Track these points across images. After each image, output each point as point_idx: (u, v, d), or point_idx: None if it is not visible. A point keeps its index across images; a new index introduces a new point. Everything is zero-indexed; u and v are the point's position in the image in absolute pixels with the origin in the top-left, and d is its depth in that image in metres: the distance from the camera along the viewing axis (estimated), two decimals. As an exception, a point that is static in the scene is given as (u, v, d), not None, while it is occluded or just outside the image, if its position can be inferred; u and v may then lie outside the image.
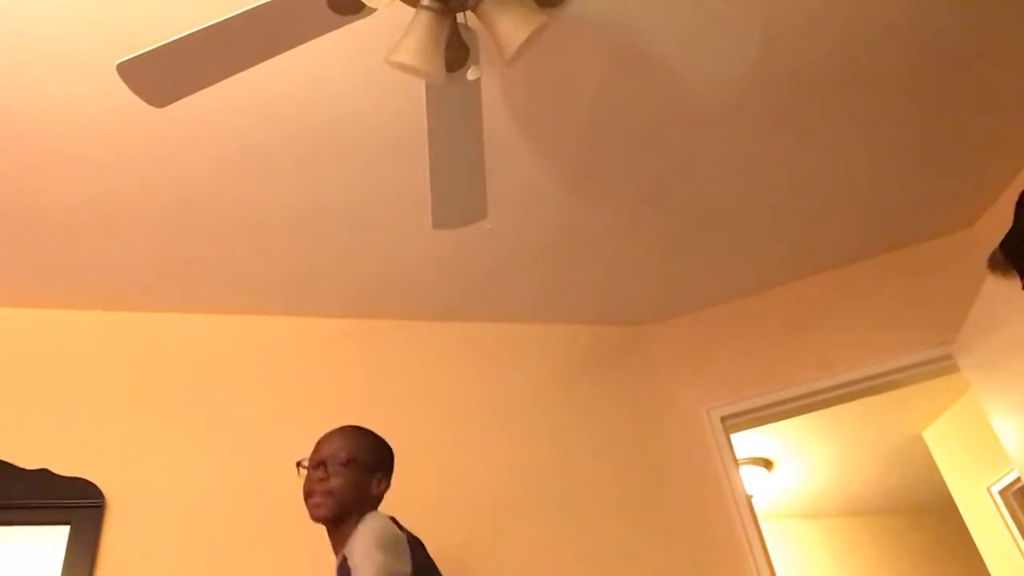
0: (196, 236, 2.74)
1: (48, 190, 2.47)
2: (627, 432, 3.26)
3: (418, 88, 1.83)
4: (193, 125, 2.31)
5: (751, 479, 5.18)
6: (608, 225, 3.00)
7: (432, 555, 1.94)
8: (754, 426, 3.49)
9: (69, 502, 2.57)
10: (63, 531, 2.54)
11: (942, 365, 3.18)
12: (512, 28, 1.52)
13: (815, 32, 2.35)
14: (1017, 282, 2.65)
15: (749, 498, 3.16)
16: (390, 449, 2.12)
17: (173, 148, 2.39)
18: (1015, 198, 2.79)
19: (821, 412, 3.57)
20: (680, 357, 3.51)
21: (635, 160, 2.72)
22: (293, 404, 2.97)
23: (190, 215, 2.65)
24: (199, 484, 2.73)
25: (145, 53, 1.60)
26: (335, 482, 1.95)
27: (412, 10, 1.58)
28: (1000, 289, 2.75)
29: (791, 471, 5.41)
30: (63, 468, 2.61)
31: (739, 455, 3.38)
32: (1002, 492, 4.43)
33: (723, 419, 3.31)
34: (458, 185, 2.10)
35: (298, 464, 2.06)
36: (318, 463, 1.99)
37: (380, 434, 2.13)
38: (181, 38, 1.58)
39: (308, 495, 1.97)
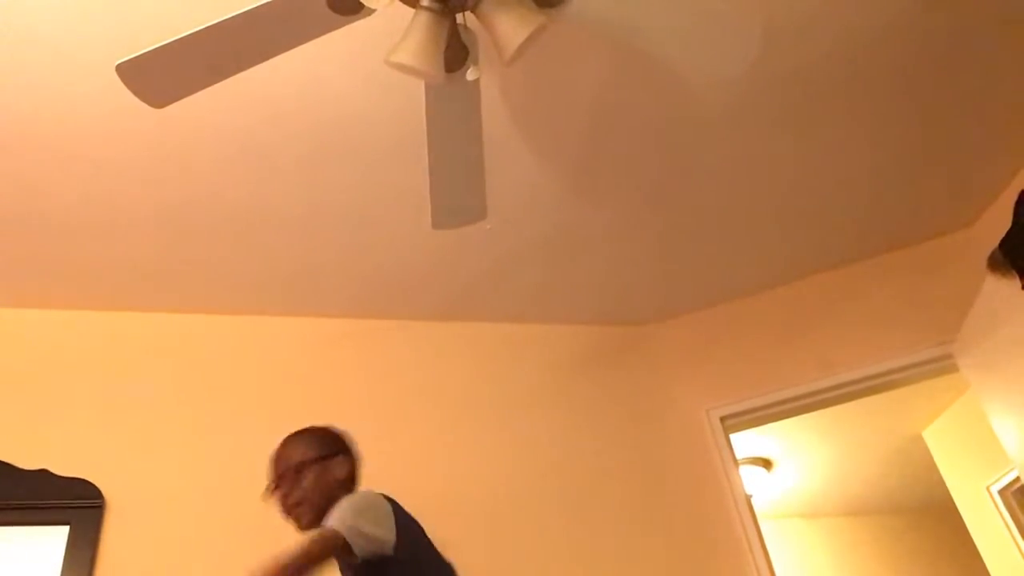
0: (196, 236, 2.74)
1: (48, 190, 2.47)
2: (627, 432, 3.26)
3: (418, 88, 1.83)
4: (193, 125, 2.31)
5: (751, 479, 5.17)
6: (608, 225, 2.99)
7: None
8: (754, 426, 3.49)
9: (68, 502, 2.58)
10: (62, 531, 2.54)
11: (942, 365, 3.18)
12: (511, 28, 1.52)
13: (815, 32, 2.35)
14: (1016, 282, 2.65)
15: (748, 498, 3.16)
16: (334, 432, 2.11)
17: (173, 148, 2.39)
18: (1014, 198, 2.78)
19: (821, 412, 3.57)
20: (680, 357, 3.51)
21: (635, 160, 2.72)
22: (293, 404, 2.96)
23: (190, 215, 2.65)
24: (198, 484, 2.73)
25: (144, 54, 1.60)
26: (297, 491, 1.94)
27: (411, 11, 1.58)
28: (1000, 289, 2.74)
29: (791, 471, 5.41)
30: (62, 468, 2.61)
31: (739, 455, 3.38)
32: (1002, 492, 4.42)
33: (723, 419, 3.31)
34: (458, 185, 2.10)
35: (265, 495, 2.02)
36: (276, 484, 1.98)
37: (342, 426, 2.12)
38: (180, 39, 1.58)
39: (286, 515, 1.96)
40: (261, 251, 2.84)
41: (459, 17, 1.65)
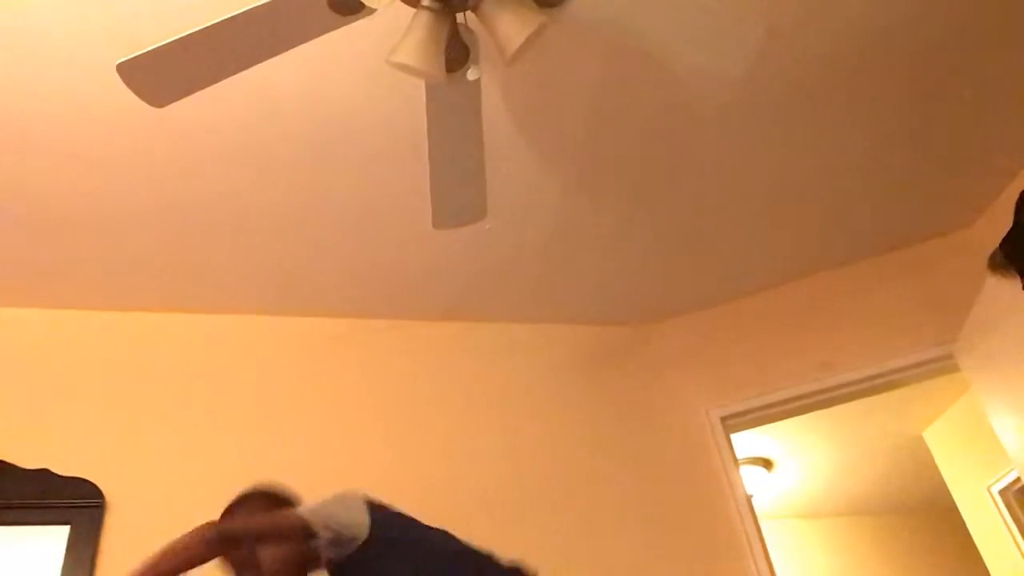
0: (195, 235, 2.74)
1: (47, 189, 2.47)
2: (627, 432, 3.26)
3: (418, 88, 1.83)
4: (193, 124, 2.31)
5: (751, 479, 5.17)
6: (608, 224, 2.99)
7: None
8: (754, 426, 3.49)
9: (69, 502, 2.58)
10: (63, 531, 2.54)
11: (942, 365, 3.18)
12: (512, 28, 1.52)
13: (814, 32, 2.35)
14: (1017, 282, 2.65)
15: (749, 498, 3.16)
16: (255, 492, 1.97)
17: (172, 147, 2.39)
18: (1015, 198, 2.78)
19: (821, 412, 3.57)
20: (680, 357, 3.51)
21: (635, 160, 2.72)
22: (293, 404, 2.97)
23: (189, 214, 2.65)
24: (199, 484, 2.72)
25: (145, 53, 1.60)
26: (263, 559, 1.78)
27: (412, 10, 1.58)
28: (1000, 289, 2.74)
29: (791, 471, 5.40)
30: (63, 468, 2.61)
31: (739, 455, 3.38)
32: (1002, 492, 4.42)
33: (723, 419, 3.30)
34: (458, 185, 2.10)
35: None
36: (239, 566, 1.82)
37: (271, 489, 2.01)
38: (181, 38, 1.58)
39: None
40: (260, 250, 2.85)
41: (460, 17, 1.65)
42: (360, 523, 1.74)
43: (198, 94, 1.73)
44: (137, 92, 1.68)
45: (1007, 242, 2.73)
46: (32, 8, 1.95)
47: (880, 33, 2.39)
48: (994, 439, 3.08)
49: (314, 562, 1.78)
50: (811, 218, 3.13)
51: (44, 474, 2.58)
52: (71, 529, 2.55)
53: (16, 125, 2.25)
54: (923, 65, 2.53)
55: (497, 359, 3.33)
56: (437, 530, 1.91)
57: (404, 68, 1.55)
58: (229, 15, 1.56)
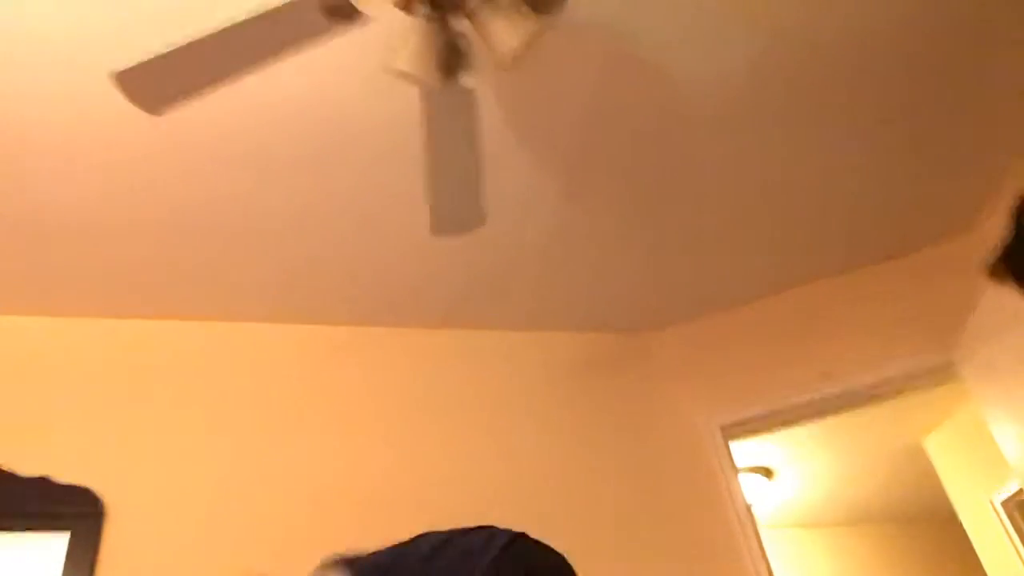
0: (194, 242, 2.74)
1: (46, 195, 2.47)
2: (625, 440, 3.26)
3: (415, 94, 1.84)
4: (192, 130, 2.32)
5: (751, 488, 5.16)
6: (606, 231, 3.00)
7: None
8: (754, 434, 3.47)
9: (68, 510, 2.57)
10: (63, 539, 2.54)
11: (943, 373, 3.17)
12: (507, 35, 1.53)
13: (811, 38, 2.35)
14: (1016, 290, 2.65)
15: (749, 507, 3.15)
16: None
17: (171, 153, 2.40)
18: (1013, 204, 2.79)
19: (821, 421, 3.56)
20: (679, 365, 3.50)
21: (631, 166, 2.73)
22: (292, 411, 2.97)
23: (188, 220, 2.65)
24: (198, 492, 2.73)
25: (142, 63, 1.61)
26: None
27: (408, 18, 1.59)
28: (1000, 297, 2.74)
29: (791, 480, 5.40)
30: (63, 476, 2.61)
31: (739, 463, 3.37)
32: (1004, 503, 4.41)
33: (722, 428, 3.29)
34: (456, 191, 2.10)
35: None
36: None
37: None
38: (178, 48, 1.59)
39: None
40: (259, 257, 2.85)
41: (455, 24, 1.66)
42: None
43: (197, 100, 1.74)
44: (134, 100, 1.69)
45: (1005, 250, 2.73)
46: (32, 12, 1.96)
47: (879, 40, 2.40)
48: (995, 448, 3.07)
49: None
50: (810, 225, 3.13)
51: (44, 482, 2.58)
52: (71, 537, 2.54)
53: (15, 130, 2.25)
54: (920, 71, 2.53)
55: (496, 367, 3.33)
56: (418, 541, 1.85)
57: (401, 75, 1.56)
58: (227, 24, 1.57)
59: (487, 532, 1.65)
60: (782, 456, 5.06)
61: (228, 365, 3.04)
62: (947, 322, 3.08)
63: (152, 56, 1.60)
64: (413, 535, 1.95)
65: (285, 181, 2.56)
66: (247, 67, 1.67)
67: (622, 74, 2.35)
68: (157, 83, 1.66)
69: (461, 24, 1.66)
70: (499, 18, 1.53)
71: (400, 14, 1.60)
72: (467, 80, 1.75)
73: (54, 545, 2.52)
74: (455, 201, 2.14)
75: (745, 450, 4.61)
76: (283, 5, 1.55)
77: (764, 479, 5.25)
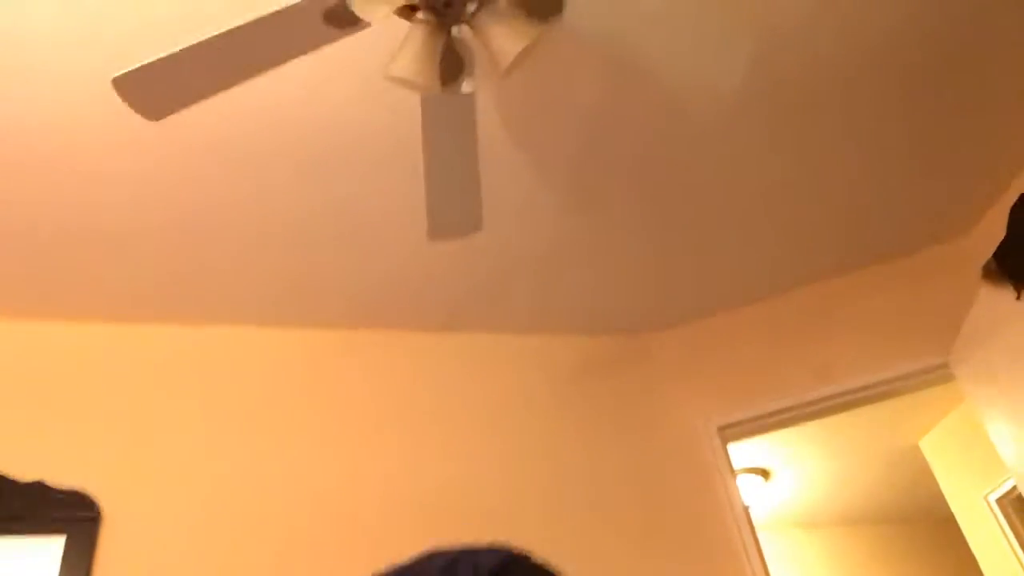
0: (193, 247, 2.74)
1: (45, 201, 2.47)
2: (623, 441, 3.26)
3: (414, 100, 1.84)
4: (192, 136, 2.32)
5: (748, 489, 5.17)
6: (604, 235, 3.00)
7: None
8: (751, 436, 3.48)
9: (64, 514, 2.56)
10: (58, 543, 2.53)
11: (939, 374, 3.18)
12: (507, 41, 1.53)
13: (808, 42, 2.36)
14: (1012, 292, 2.66)
15: (746, 508, 3.16)
16: None
17: (171, 159, 2.39)
18: (1009, 207, 2.80)
19: (818, 422, 3.56)
20: (677, 366, 3.51)
21: (631, 170, 2.73)
22: (291, 415, 2.97)
23: (188, 226, 2.65)
24: (195, 496, 2.72)
25: (140, 67, 1.60)
26: None
27: (407, 24, 1.59)
28: (995, 299, 2.75)
29: (788, 481, 5.41)
30: (58, 480, 2.60)
31: (736, 464, 3.37)
32: (999, 501, 4.43)
33: (720, 429, 3.30)
34: (454, 197, 2.11)
35: None
36: None
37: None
38: (177, 52, 1.59)
39: None
40: (259, 262, 2.84)
41: (454, 30, 1.66)
42: None
43: (197, 105, 1.74)
44: (133, 106, 1.68)
45: (1001, 251, 2.75)
46: (31, 18, 1.95)
47: (874, 43, 2.40)
48: (991, 448, 3.08)
49: None
50: (807, 227, 3.13)
51: (39, 486, 2.57)
52: (66, 541, 2.53)
53: (18, 138, 2.25)
54: (918, 75, 2.54)
55: (495, 369, 3.33)
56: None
57: (400, 81, 1.56)
58: (225, 29, 1.57)
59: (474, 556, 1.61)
60: (779, 457, 5.07)
61: (225, 369, 3.03)
62: (944, 324, 3.09)
63: (151, 61, 1.60)
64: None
65: (285, 186, 2.55)
66: (247, 73, 1.66)
67: (620, 79, 2.36)
68: (156, 89, 1.65)
69: (460, 31, 1.66)
70: (498, 25, 1.53)
71: (400, 20, 1.59)
72: (466, 86, 1.75)
73: (50, 549, 2.51)
74: (453, 206, 2.14)
75: (742, 451, 4.62)
76: (283, 11, 1.55)
77: (761, 480, 5.26)
